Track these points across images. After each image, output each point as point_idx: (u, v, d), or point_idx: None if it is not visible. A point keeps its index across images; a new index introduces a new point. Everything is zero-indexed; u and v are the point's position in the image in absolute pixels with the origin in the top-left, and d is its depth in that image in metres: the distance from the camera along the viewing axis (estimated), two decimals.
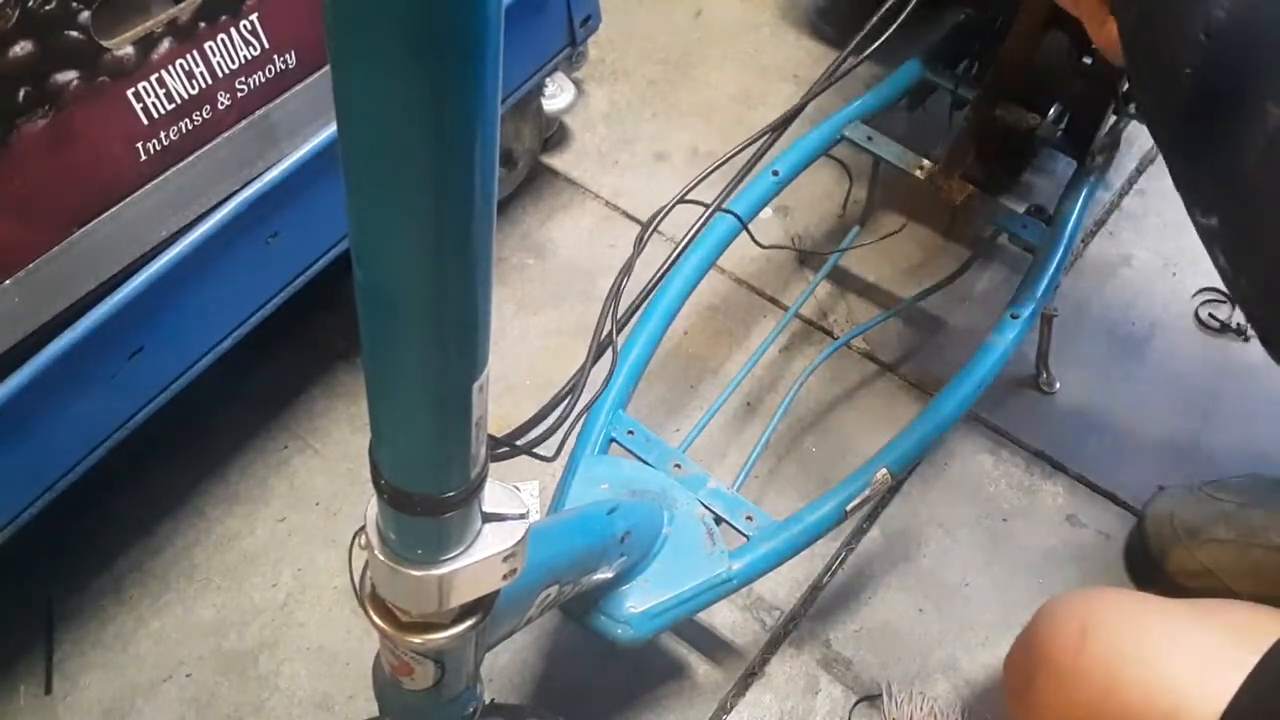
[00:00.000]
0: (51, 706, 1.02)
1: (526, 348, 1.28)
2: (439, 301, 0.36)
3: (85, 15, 0.75)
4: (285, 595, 1.09)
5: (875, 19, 0.86)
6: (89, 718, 1.02)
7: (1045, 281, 1.08)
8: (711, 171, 0.71)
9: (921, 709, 1.03)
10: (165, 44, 0.82)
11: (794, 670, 1.05)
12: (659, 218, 0.75)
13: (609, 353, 0.68)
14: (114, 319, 0.83)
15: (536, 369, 1.27)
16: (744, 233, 0.98)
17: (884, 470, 0.92)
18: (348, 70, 0.30)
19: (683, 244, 0.70)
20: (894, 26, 0.79)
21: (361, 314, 0.38)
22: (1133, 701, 0.68)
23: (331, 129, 0.95)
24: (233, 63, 0.87)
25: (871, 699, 1.04)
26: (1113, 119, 1.19)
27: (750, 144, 0.78)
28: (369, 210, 0.34)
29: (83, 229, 0.82)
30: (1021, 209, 1.17)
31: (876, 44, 0.76)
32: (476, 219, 0.35)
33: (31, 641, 1.05)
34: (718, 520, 0.90)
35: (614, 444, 0.95)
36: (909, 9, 0.88)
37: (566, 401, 0.62)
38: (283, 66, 0.92)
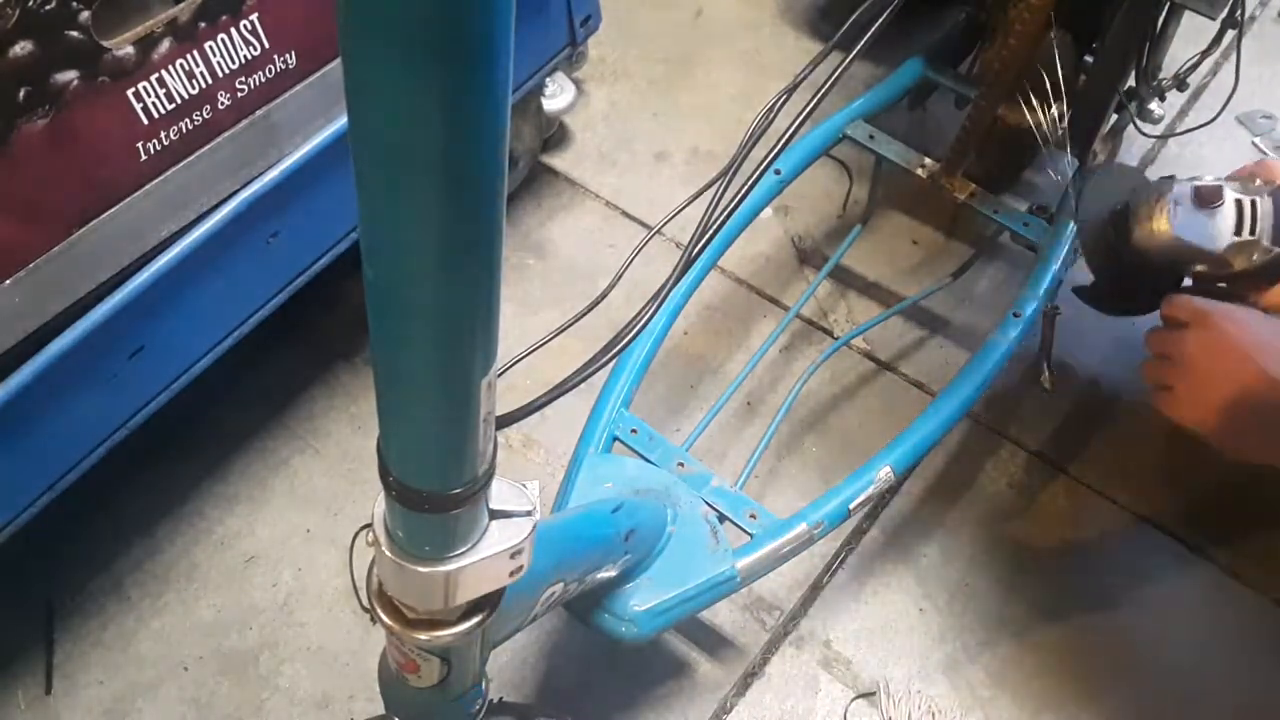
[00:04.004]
0: (51, 706, 1.02)
1: (526, 348, 1.28)
2: (449, 299, 0.36)
3: (85, 15, 0.75)
4: (285, 595, 1.09)
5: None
6: (89, 718, 1.01)
7: (1048, 280, 1.08)
8: (730, 176, 0.70)
9: (919, 707, 1.03)
10: (165, 44, 0.82)
11: (794, 670, 1.05)
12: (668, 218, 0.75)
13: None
14: (114, 319, 0.83)
15: (536, 369, 1.26)
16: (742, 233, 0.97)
17: (888, 468, 0.92)
18: (361, 71, 0.30)
19: (694, 246, 0.69)
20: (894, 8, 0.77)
21: (371, 312, 0.38)
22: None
23: (332, 129, 0.95)
24: (233, 63, 0.87)
25: (868, 696, 1.04)
26: (1114, 116, 1.19)
27: (754, 144, 0.77)
28: (380, 209, 0.34)
29: (83, 229, 0.82)
30: (1023, 207, 1.17)
31: (881, 20, 0.75)
32: (486, 217, 0.35)
33: (31, 641, 1.05)
34: (721, 518, 0.90)
35: (617, 442, 0.94)
36: None
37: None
38: (283, 66, 0.91)
